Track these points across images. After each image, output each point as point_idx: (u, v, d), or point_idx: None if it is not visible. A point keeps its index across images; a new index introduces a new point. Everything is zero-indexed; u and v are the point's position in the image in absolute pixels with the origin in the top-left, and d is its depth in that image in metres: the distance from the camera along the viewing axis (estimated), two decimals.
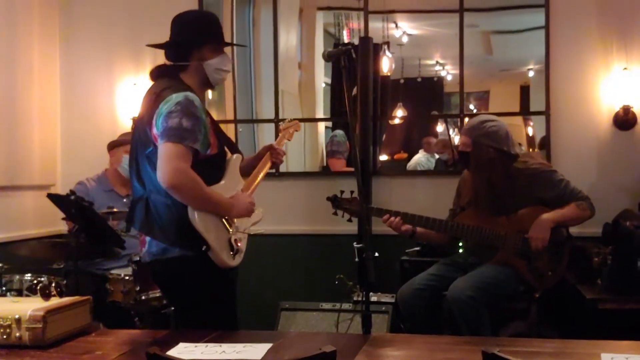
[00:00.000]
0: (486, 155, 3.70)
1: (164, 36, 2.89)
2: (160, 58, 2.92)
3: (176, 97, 2.64)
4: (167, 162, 2.58)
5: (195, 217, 2.64)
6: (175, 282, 2.79)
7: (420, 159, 5.21)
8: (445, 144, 5.15)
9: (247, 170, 3.04)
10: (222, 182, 2.79)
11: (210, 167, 2.75)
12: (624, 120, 4.43)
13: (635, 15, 4.45)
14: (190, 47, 2.80)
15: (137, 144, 2.78)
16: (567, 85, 4.55)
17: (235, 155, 2.91)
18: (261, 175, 3.06)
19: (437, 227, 3.73)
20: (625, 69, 4.40)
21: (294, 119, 3.46)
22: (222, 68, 2.86)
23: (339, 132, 5.19)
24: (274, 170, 3.22)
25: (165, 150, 2.59)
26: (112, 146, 4.35)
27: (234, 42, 5.04)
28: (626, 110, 4.40)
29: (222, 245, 2.72)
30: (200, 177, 2.64)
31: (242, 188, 2.90)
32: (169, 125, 2.60)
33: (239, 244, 2.79)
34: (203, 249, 2.66)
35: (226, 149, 2.91)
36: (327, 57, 2.90)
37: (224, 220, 2.75)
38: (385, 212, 3.75)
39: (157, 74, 2.86)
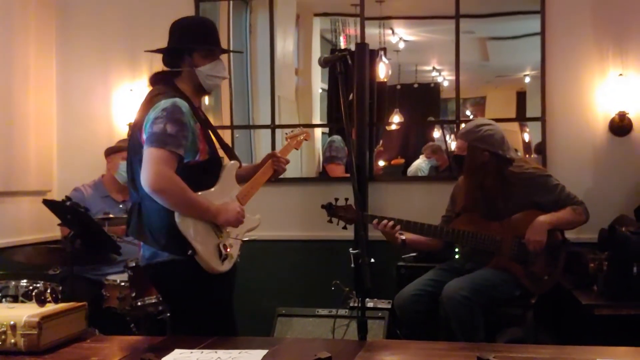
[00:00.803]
0: (480, 158, 3.72)
1: (160, 42, 2.91)
2: (156, 64, 2.94)
3: (164, 103, 2.67)
4: (150, 166, 2.60)
5: (182, 221, 2.65)
6: (167, 285, 2.81)
7: (421, 164, 5.21)
8: (434, 149, 5.14)
9: (247, 178, 3.04)
10: (214, 188, 2.79)
11: (201, 173, 2.76)
12: (619, 126, 4.44)
13: (630, 21, 4.47)
14: (182, 53, 2.82)
15: (131, 150, 2.80)
16: (562, 91, 4.56)
17: (231, 162, 2.91)
18: (258, 182, 3.05)
19: (432, 233, 3.74)
20: (620, 75, 4.41)
21: (304, 129, 3.45)
22: (215, 74, 2.86)
23: (338, 138, 5.18)
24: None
25: (148, 155, 2.62)
26: (109, 152, 4.35)
27: (231, 48, 5.04)
28: (622, 116, 4.41)
29: (209, 250, 2.72)
30: (189, 183, 2.64)
31: (238, 195, 2.89)
32: (154, 130, 2.62)
33: (228, 250, 2.77)
34: (189, 253, 2.66)
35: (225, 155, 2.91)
36: (322, 63, 2.90)
37: (213, 225, 2.75)
38: (380, 219, 3.76)
39: (154, 80, 2.89)
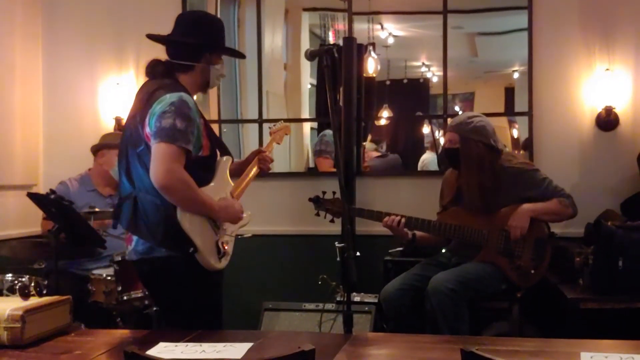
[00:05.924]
0: (476, 150, 3.71)
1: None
2: (144, 57, 2.89)
3: (170, 97, 2.64)
4: (160, 162, 2.58)
5: (184, 218, 2.64)
6: (161, 282, 2.78)
7: (428, 158, 5.19)
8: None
9: (235, 173, 3.05)
10: (212, 183, 2.80)
11: (201, 168, 2.75)
12: (606, 121, 4.45)
13: (617, 16, 4.48)
14: (203, 48, 2.81)
15: (127, 142, 2.77)
16: (550, 87, 4.57)
17: (225, 158, 2.91)
18: (249, 178, 3.07)
19: (419, 226, 3.74)
20: (607, 70, 4.43)
21: (285, 123, 3.47)
22: (223, 73, 2.92)
23: (329, 132, 5.15)
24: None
25: (158, 151, 2.60)
26: (102, 147, 4.29)
27: None
28: (608, 111, 4.42)
29: (209, 247, 2.72)
30: (192, 178, 2.64)
31: (231, 190, 2.90)
32: (163, 125, 2.60)
33: (225, 247, 2.79)
34: (190, 250, 2.66)
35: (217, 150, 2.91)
36: (309, 56, 2.90)
37: (211, 222, 2.75)
38: (368, 212, 3.76)
39: (154, 71, 2.82)
